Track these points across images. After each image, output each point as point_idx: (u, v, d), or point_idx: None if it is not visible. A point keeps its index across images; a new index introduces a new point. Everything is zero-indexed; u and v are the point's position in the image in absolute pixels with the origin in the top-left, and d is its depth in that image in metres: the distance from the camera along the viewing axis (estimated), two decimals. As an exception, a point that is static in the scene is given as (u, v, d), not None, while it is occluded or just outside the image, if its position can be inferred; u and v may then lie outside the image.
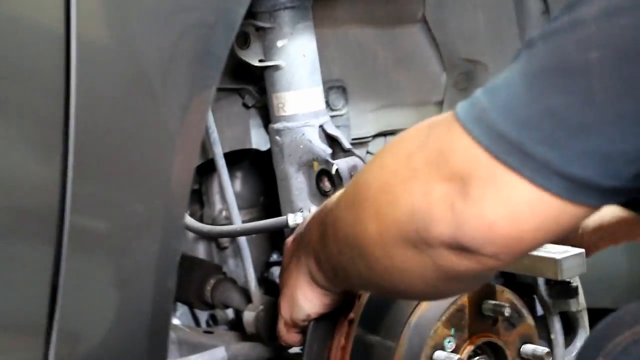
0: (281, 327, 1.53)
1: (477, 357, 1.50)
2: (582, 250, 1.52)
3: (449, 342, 1.45)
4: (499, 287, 1.52)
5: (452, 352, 1.44)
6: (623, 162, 1.03)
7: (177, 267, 1.32)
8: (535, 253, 1.38)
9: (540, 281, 1.57)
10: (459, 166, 1.08)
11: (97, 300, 1.26)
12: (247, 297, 1.65)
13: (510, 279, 1.58)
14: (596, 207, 1.06)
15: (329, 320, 1.49)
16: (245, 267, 1.64)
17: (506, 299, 1.50)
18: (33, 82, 1.15)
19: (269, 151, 1.73)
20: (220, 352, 1.59)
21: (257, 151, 1.80)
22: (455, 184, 1.08)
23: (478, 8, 2.00)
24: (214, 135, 1.61)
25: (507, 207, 1.06)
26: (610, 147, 1.03)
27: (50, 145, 1.16)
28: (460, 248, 1.07)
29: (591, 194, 1.04)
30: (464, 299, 1.48)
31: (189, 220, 1.62)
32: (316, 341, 1.49)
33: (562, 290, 1.58)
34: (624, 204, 1.23)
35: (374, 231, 1.19)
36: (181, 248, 1.58)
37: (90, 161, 1.19)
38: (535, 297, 1.60)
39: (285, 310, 1.51)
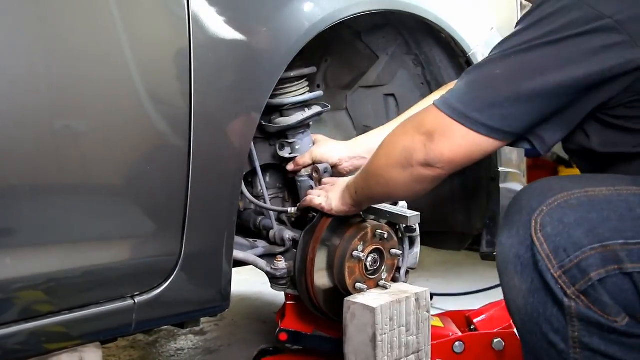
0: (315, 198, 1.58)
1: (372, 254, 1.60)
2: (418, 213, 1.57)
3: (359, 247, 1.57)
4: (383, 225, 1.61)
5: (361, 252, 1.57)
6: (512, 119, 1.12)
7: (237, 207, 1.41)
8: (397, 212, 1.57)
9: (401, 224, 1.64)
10: (429, 126, 1.19)
11: (203, 213, 1.33)
12: (271, 226, 1.73)
13: (389, 223, 1.64)
14: (501, 142, 1.15)
15: (312, 231, 1.59)
16: (270, 214, 1.74)
17: (386, 230, 1.60)
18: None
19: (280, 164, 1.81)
20: (260, 249, 1.69)
21: (274, 164, 1.83)
22: (426, 136, 1.19)
23: (369, 104, 2.04)
24: (255, 157, 1.69)
25: (451, 144, 1.16)
26: (505, 112, 1.11)
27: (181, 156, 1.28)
28: (427, 165, 1.20)
29: (497, 134, 1.13)
30: (367, 230, 1.56)
31: (247, 192, 1.69)
32: (305, 239, 1.60)
33: (409, 228, 1.66)
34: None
35: (383, 162, 1.30)
36: (239, 203, 1.56)
37: (202, 162, 1.30)
38: (398, 228, 1.68)
39: (320, 200, 1.57)
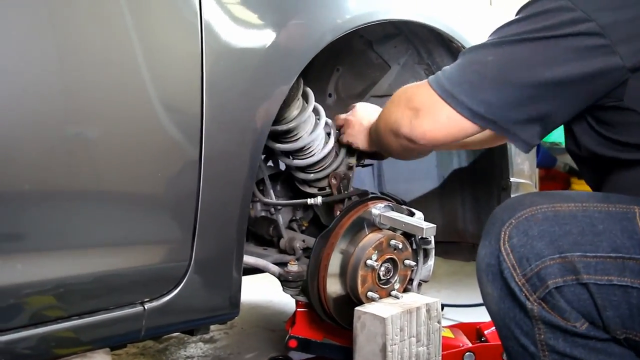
0: (348, 138, 1.65)
1: (385, 264, 1.59)
2: (434, 225, 1.54)
3: (374, 256, 1.56)
4: (397, 235, 1.60)
5: (375, 261, 1.56)
6: (496, 108, 1.17)
7: (247, 215, 1.40)
8: (412, 223, 1.55)
9: (417, 235, 1.62)
10: (417, 102, 1.26)
11: (214, 220, 1.32)
12: (281, 235, 1.75)
13: (404, 233, 1.62)
14: (483, 128, 1.21)
15: (327, 237, 1.57)
16: (281, 223, 1.77)
17: (400, 240, 1.59)
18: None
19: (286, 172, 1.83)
20: (270, 258, 1.69)
21: (281, 172, 1.86)
22: (413, 111, 1.26)
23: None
24: (263, 166, 1.74)
25: (434, 123, 1.23)
26: (490, 99, 1.17)
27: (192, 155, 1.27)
28: (410, 140, 1.28)
29: (480, 120, 1.19)
30: (382, 239, 1.55)
31: (259, 194, 1.74)
32: (319, 244, 1.58)
33: (424, 240, 1.65)
34: None
35: (382, 126, 1.40)
36: (250, 204, 1.56)
37: (213, 169, 1.30)
38: (413, 240, 1.67)
39: (349, 136, 1.65)
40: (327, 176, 1.73)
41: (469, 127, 1.21)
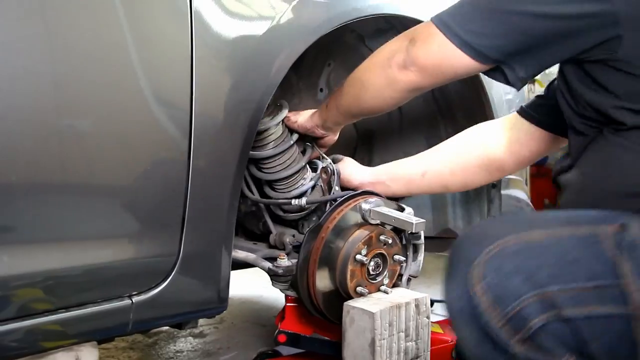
0: (301, 124, 1.62)
1: (374, 259, 1.58)
2: (424, 220, 1.55)
3: (363, 251, 1.55)
4: (387, 230, 1.59)
5: (364, 256, 1.54)
6: (484, 37, 1.19)
7: (236, 209, 1.38)
8: (402, 218, 1.54)
9: (407, 231, 1.60)
10: (416, 32, 1.29)
11: (203, 214, 1.32)
12: (270, 230, 1.73)
13: (394, 228, 1.61)
14: (470, 61, 1.21)
15: (317, 231, 1.55)
16: (266, 216, 1.74)
17: (390, 235, 1.58)
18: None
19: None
20: (260, 252, 1.67)
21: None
22: (411, 40, 1.28)
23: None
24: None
25: (427, 50, 1.26)
26: (479, 29, 1.19)
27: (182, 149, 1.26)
28: (403, 66, 1.29)
29: (468, 49, 1.20)
30: (370, 235, 1.54)
31: (249, 194, 1.69)
32: (309, 239, 1.55)
33: (413, 235, 1.64)
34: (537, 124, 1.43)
35: (366, 64, 1.39)
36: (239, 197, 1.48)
37: (202, 162, 1.30)
38: (403, 235, 1.65)
39: (302, 120, 1.61)
40: (292, 198, 1.67)
41: (457, 57, 1.22)
